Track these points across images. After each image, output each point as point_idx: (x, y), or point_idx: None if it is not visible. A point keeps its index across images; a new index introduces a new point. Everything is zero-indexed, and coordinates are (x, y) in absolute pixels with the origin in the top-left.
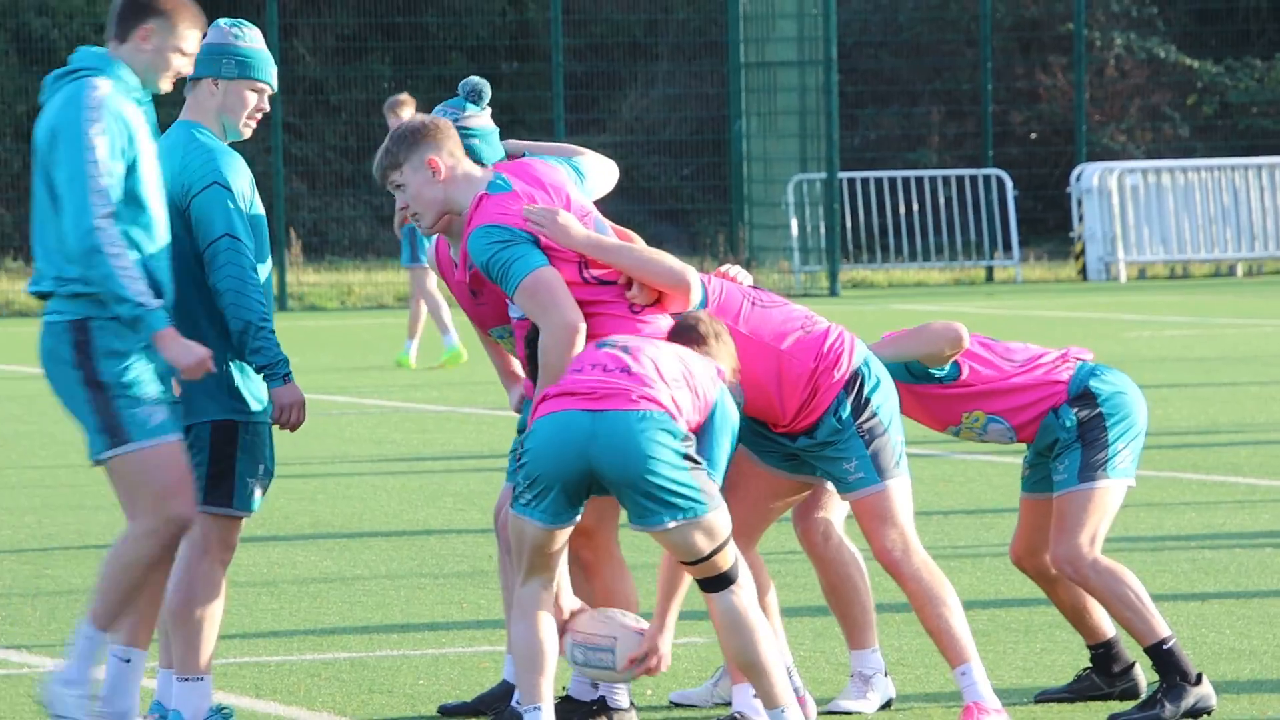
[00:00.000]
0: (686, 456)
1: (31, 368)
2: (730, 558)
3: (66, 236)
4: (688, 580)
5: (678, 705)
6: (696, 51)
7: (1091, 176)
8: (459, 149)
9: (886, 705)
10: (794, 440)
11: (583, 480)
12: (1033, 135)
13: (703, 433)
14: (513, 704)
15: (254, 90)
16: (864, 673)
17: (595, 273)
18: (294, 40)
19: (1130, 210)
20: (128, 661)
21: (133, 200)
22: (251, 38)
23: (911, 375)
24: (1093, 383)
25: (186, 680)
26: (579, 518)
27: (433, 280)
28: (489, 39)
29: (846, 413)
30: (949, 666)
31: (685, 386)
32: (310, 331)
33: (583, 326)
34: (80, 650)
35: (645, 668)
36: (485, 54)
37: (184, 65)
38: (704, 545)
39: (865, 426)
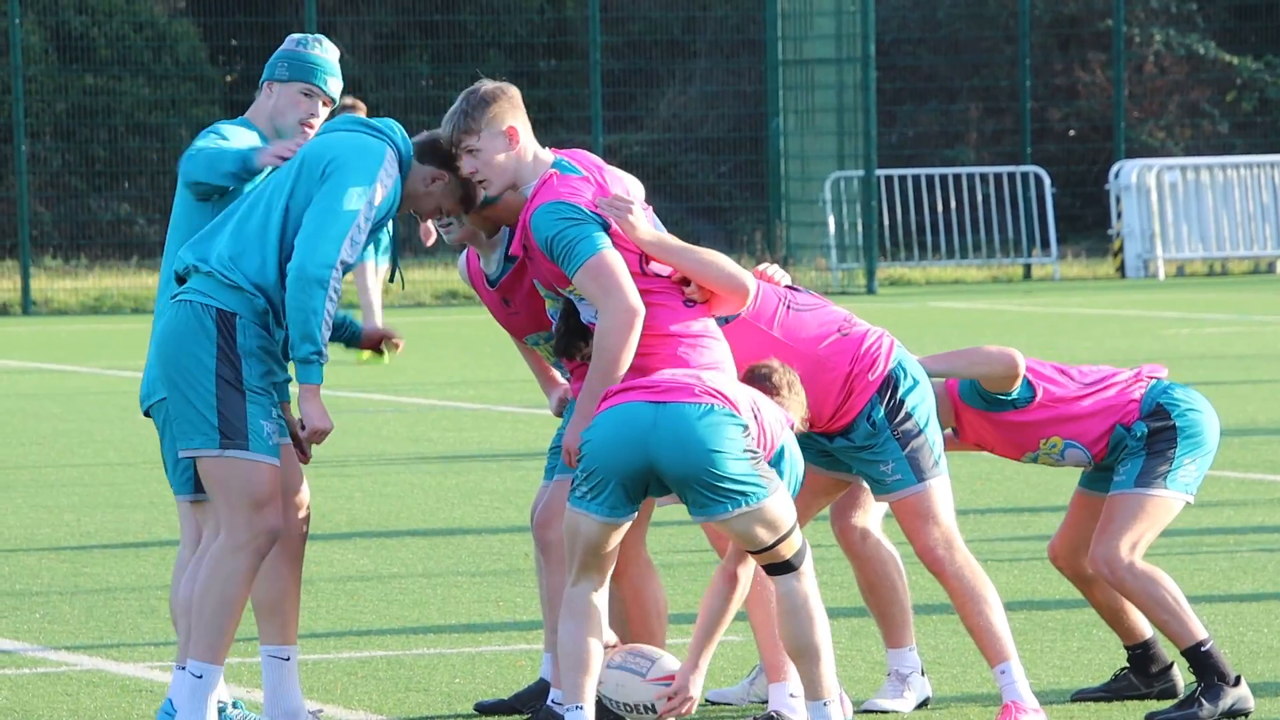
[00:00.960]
0: (748, 449)
1: (71, 365)
2: (794, 546)
3: (300, 256)
4: (726, 622)
5: (714, 704)
6: (734, 49)
7: (1130, 173)
8: (528, 122)
9: (923, 704)
10: (830, 440)
11: (641, 473)
12: (1071, 132)
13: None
14: (548, 703)
15: (305, 94)
16: (901, 671)
17: (654, 266)
18: (332, 38)
19: (1169, 207)
20: (286, 660)
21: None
22: (315, 46)
23: (986, 402)
24: (1164, 399)
25: (185, 670)
26: (635, 514)
27: (371, 277)
28: (527, 37)
29: (880, 416)
30: (987, 665)
31: (753, 418)
32: None
33: (643, 312)
34: (186, 693)
35: (671, 708)
36: (523, 52)
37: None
38: (765, 535)
39: (901, 429)
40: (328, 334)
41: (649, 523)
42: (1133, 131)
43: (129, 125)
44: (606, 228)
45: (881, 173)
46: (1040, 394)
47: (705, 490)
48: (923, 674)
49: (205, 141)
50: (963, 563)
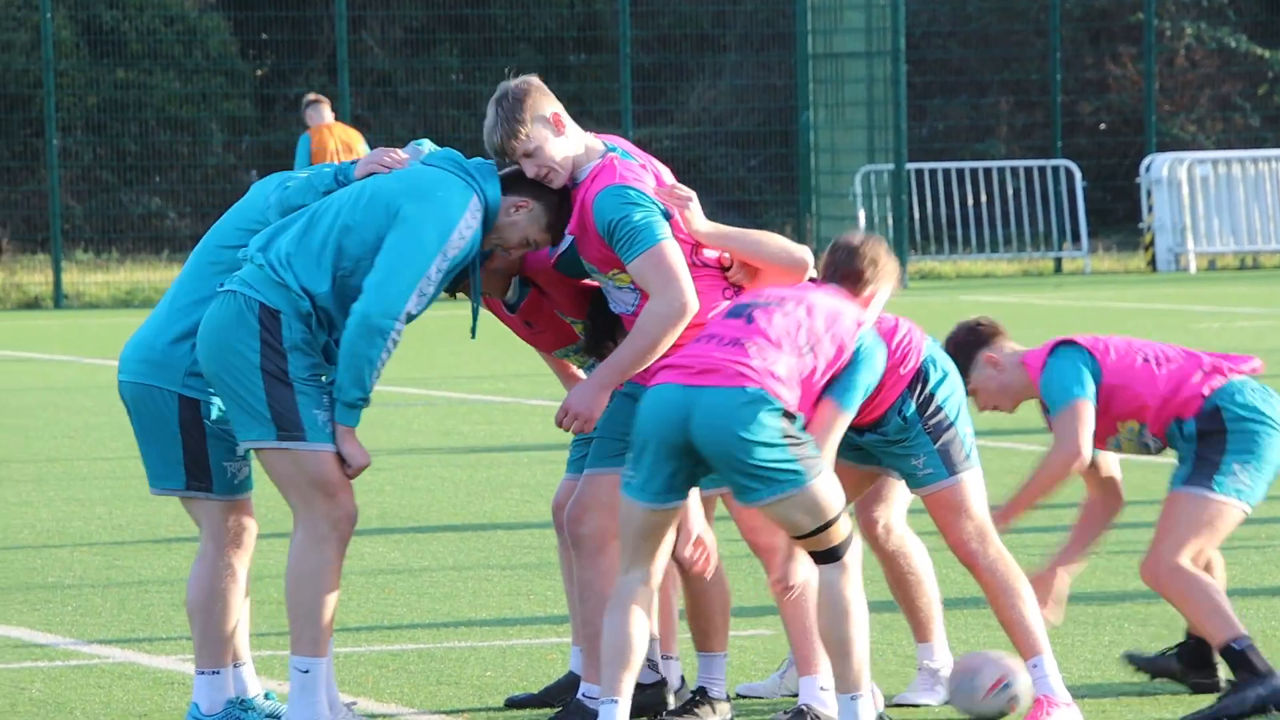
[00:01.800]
0: (786, 435)
1: (102, 359)
2: (841, 534)
3: (367, 303)
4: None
5: (744, 697)
6: (764, 43)
7: (1161, 167)
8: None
9: None
10: (861, 435)
11: (683, 454)
12: (1102, 126)
13: (843, 371)
14: (578, 696)
15: None
16: (930, 666)
17: (704, 257)
18: (362, 32)
19: (1200, 201)
20: (305, 672)
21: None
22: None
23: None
24: (1224, 402)
25: (204, 674)
26: (682, 502)
27: None
28: (556, 30)
29: (911, 410)
30: (1020, 659)
31: (812, 351)
32: None
33: (695, 309)
34: (295, 690)
35: None
36: (553, 46)
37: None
38: (805, 521)
39: (932, 422)
40: (376, 381)
41: (714, 517)
42: (1164, 125)
43: (160, 119)
44: (668, 216)
45: (912, 166)
46: (1105, 376)
47: (739, 475)
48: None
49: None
50: (996, 556)
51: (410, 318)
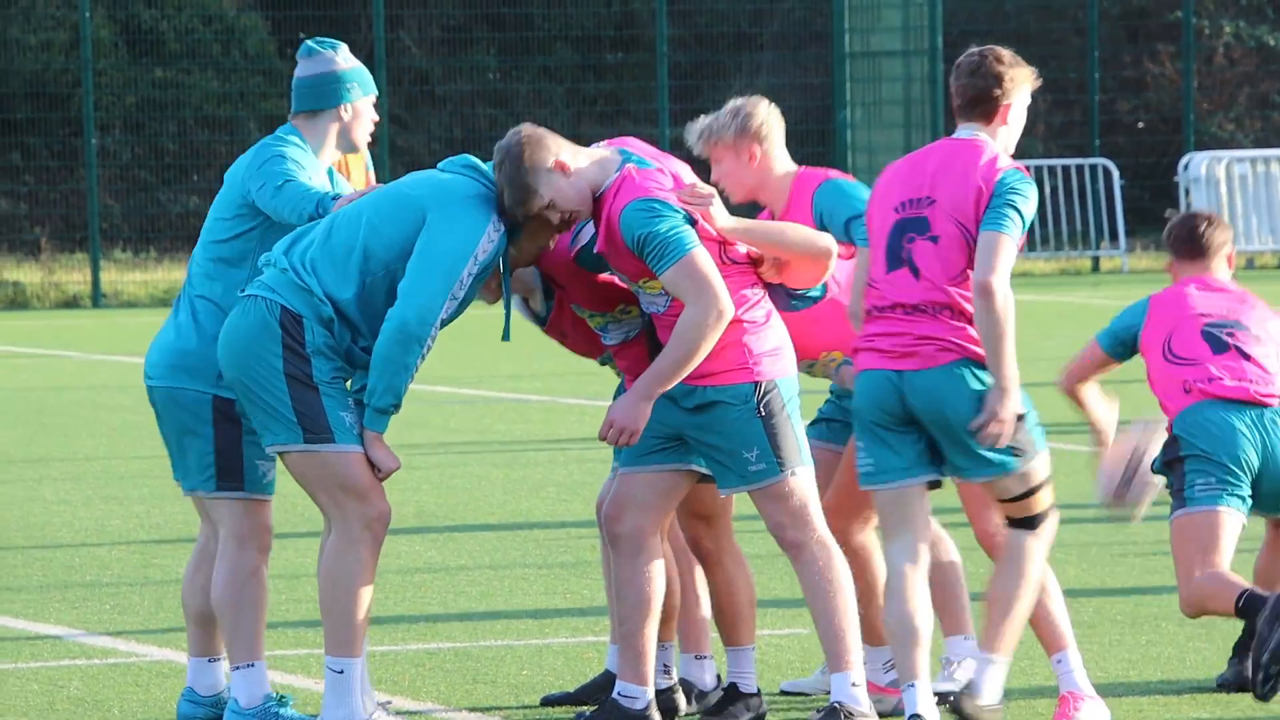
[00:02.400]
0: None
1: (141, 358)
2: (1044, 503)
3: (404, 311)
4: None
5: (788, 694)
6: (801, 41)
7: (1199, 165)
8: (560, 141)
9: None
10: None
11: (911, 428)
12: (1140, 124)
13: None
14: (614, 695)
15: (374, 103)
16: (949, 658)
17: (731, 254)
18: (399, 31)
19: (1238, 199)
20: (340, 673)
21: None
22: (346, 55)
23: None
24: (1180, 429)
25: (239, 668)
26: (930, 476)
27: None
28: (594, 29)
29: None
30: (1045, 655)
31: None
32: None
33: (731, 315)
34: (329, 691)
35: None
36: (590, 44)
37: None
38: (1016, 487)
39: None
40: (409, 385)
41: (732, 514)
42: (1202, 124)
43: (198, 118)
44: (692, 222)
45: None
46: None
47: (962, 455)
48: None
49: (294, 176)
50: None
51: (444, 323)
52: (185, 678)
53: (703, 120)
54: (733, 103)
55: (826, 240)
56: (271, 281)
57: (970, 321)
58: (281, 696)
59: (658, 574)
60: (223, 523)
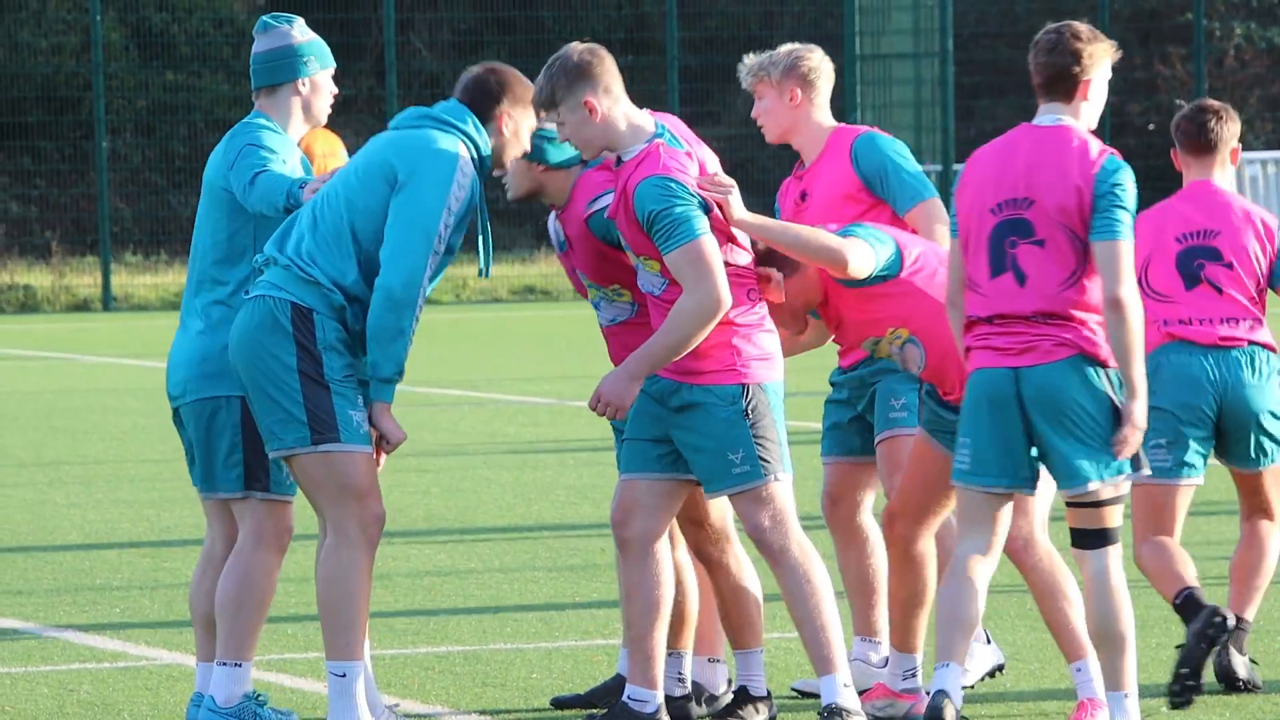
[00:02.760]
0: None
1: (151, 361)
2: (1114, 519)
3: (388, 277)
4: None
5: (799, 694)
6: (811, 43)
7: None
8: (619, 84)
9: (999, 669)
10: (955, 412)
11: (1018, 430)
12: (1151, 126)
13: None
14: (624, 698)
15: (332, 76)
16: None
17: (734, 255)
18: (410, 35)
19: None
20: (342, 676)
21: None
22: (303, 30)
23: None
24: (1150, 362)
25: (226, 665)
26: (1025, 489)
27: None
28: (604, 32)
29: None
30: (1065, 661)
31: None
32: (425, 325)
33: (728, 306)
34: (334, 695)
35: None
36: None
37: (526, 142)
38: (1106, 493)
39: None
40: (408, 352)
41: (733, 517)
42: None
43: (208, 121)
44: (707, 210)
45: (960, 168)
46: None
47: (1065, 459)
48: (988, 641)
49: (268, 164)
50: (1043, 555)
51: (433, 277)
52: (195, 681)
53: (756, 55)
54: (789, 45)
55: (842, 247)
56: (275, 279)
57: (1082, 322)
58: (259, 695)
59: (666, 578)
60: (244, 522)
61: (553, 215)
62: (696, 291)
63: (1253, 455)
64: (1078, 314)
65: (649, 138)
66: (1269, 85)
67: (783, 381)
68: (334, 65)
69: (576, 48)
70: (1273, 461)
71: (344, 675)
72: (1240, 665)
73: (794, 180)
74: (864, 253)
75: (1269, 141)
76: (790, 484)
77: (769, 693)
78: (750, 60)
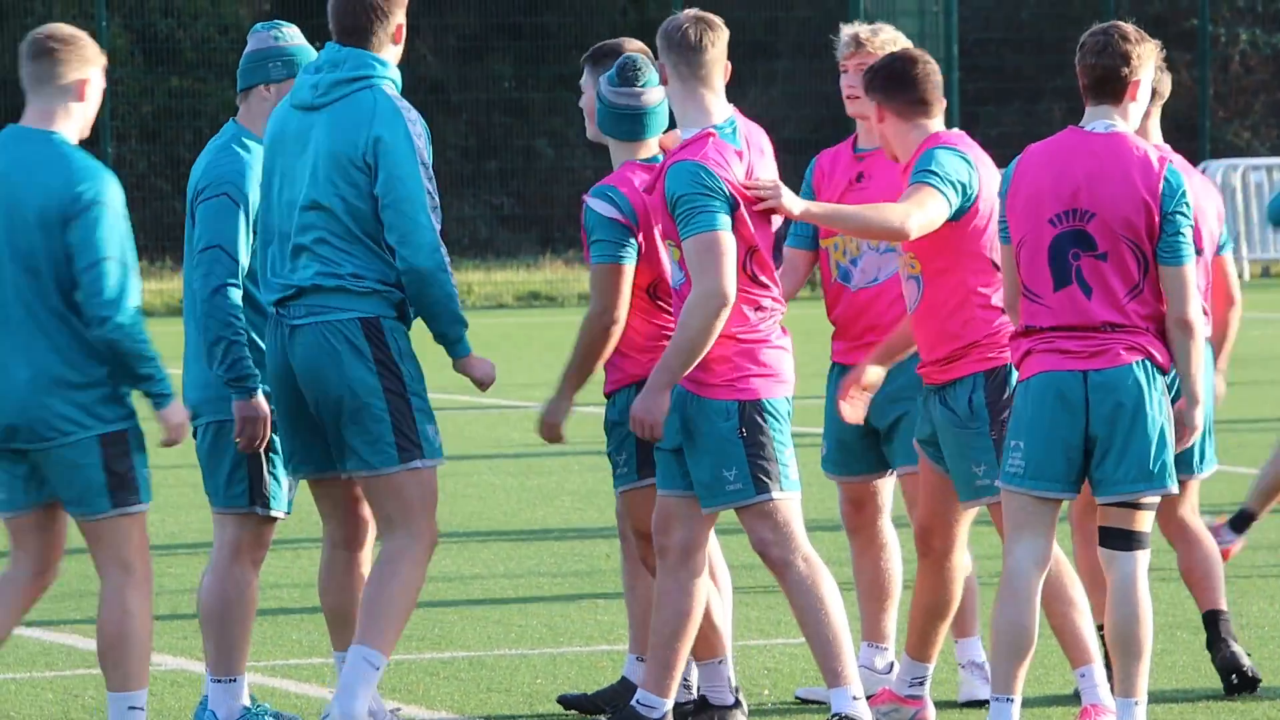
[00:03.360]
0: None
1: None
2: (1147, 523)
3: (409, 259)
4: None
5: (805, 701)
6: (817, 50)
7: (1215, 173)
8: (710, 67)
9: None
10: (937, 398)
11: (1075, 437)
12: None
13: None
14: (633, 703)
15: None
16: (975, 660)
17: (754, 269)
18: (415, 40)
19: (1254, 207)
20: (376, 668)
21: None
22: (291, 36)
23: None
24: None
25: (220, 681)
26: (1070, 495)
27: None
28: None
29: (981, 400)
30: (1069, 667)
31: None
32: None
33: (732, 300)
34: (360, 678)
35: None
36: None
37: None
38: (1145, 497)
39: (1001, 419)
40: (459, 300)
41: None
42: (1218, 131)
43: (214, 127)
44: (734, 209)
45: None
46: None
47: (1121, 464)
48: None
49: (225, 281)
50: (1054, 561)
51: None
52: (200, 686)
53: (862, 28)
54: (893, 29)
55: (901, 223)
56: (333, 303)
57: (1146, 329)
58: (259, 705)
59: (699, 589)
60: (225, 532)
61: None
62: (701, 283)
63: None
64: (1142, 323)
65: (707, 126)
66: (1274, 91)
67: (789, 399)
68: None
69: (689, 15)
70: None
71: (376, 667)
72: (1242, 654)
73: (851, 158)
74: (925, 217)
75: (1275, 147)
76: (796, 499)
77: (738, 700)
78: (856, 30)
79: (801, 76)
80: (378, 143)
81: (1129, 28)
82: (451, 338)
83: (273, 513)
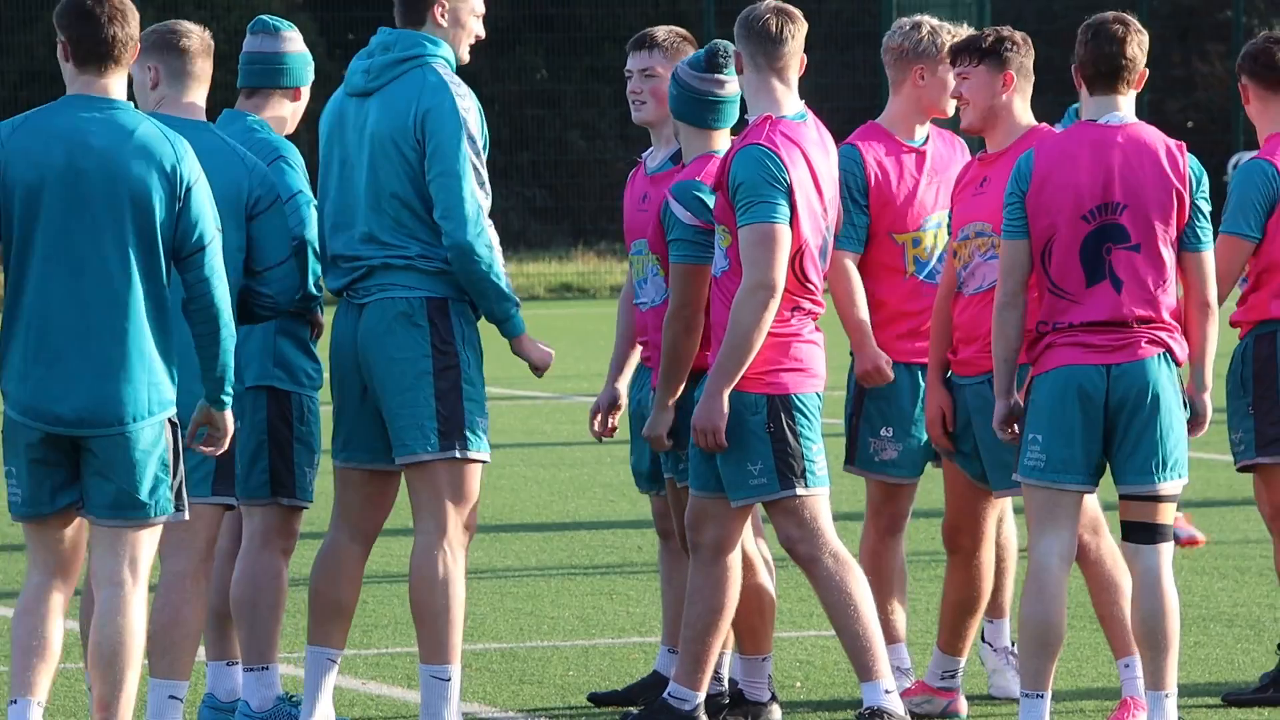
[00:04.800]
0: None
1: None
2: (1171, 516)
3: (454, 237)
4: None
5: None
6: (849, 41)
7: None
8: (785, 60)
9: None
10: (960, 388)
11: (1095, 429)
12: (1189, 123)
13: None
14: (665, 695)
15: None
16: (1005, 646)
17: (801, 271)
18: None
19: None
20: (447, 680)
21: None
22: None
23: None
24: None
25: (252, 670)
26: (1090, 488)
27: None
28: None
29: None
30: (1103, 659)
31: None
32: None
33: (780, 292)
34: (437, 696)
35: None
36: None
37: (479, 27)
38: (1168, 491)
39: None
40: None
41: (750, 519)
42: (1252, 123)
43: None
44: (792, 199)
45: None
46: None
47: (1144, 456)
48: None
49: (301, 194)
50: (1105, 552)
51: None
52: (206, 681)
53: (965, 31)
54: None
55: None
56: (400, 280)
57: (1167, 324)
58: (292, 696)
59: (732, 585)
60: (253, 522)
61: (646, 170)
62: (751, 275)
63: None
64: (1167, 316)
65: (772, 114)
66: None
67: (819, 394)
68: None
69: (771, 6)
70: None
71: (448, 679)
72: None
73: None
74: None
75: None
76: (824, 495)
77: (773, 695)
78: (956, 33)
79: (834, 68)
80: (424, 117)
81: (1128, 16)
82: (499, 316)
83: (297, 502)
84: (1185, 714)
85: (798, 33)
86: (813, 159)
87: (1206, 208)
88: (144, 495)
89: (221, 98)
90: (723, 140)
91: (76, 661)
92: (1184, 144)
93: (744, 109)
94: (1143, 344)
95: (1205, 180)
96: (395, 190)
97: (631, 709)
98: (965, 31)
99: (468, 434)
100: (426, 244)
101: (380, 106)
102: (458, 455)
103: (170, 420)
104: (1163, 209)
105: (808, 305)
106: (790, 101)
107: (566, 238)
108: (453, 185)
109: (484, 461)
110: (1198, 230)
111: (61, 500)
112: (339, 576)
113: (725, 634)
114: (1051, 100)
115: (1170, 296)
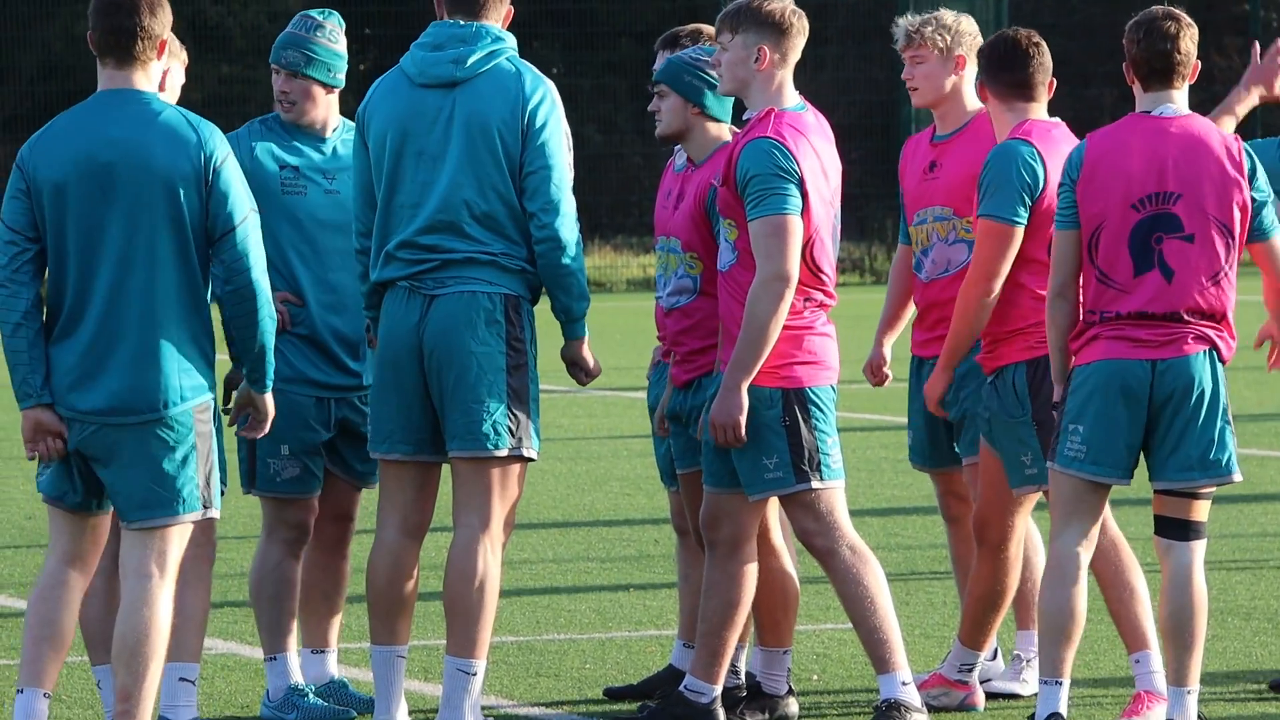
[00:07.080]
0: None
1: None
2: (1205, 512)
3: (548, 230)
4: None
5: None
6: (866, 35)
7: None
8: (795, 57)
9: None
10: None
11: (1137, 424)
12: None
13: None
14: (681, 687)
15: (274, 73)
16: (1023, 655)
17: (811, 260)
18: None
19: None
20: (474, 675)
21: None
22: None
23: None
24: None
25: (266, 660)
26: (1124, 481)
27: None
28: (657, 24)
29: (1024, 386)
30: (1119, 652)
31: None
32: None
33: (794, 283)
34: (460, 689)
35: None
36: (654, 40)
37: None
38: (1203, 488)
39: (1040, 416)
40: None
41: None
42: (1269, 116)
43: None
44: (803, 192)
45: None
46: None
47: (1184, 453)
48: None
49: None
50: (1112, 545)
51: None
52: (250, 670)
53: (948, 16)
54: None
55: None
56: (481, 274)
57: (1217, 320)
58: (299, 688)
59: (748, 580)
60: (262, 514)
61: (675, 167)
62: (765, 267)
63: None
64: (1217, 311)
65: (776, 106)
66: None
67: (833, 386)
68: (275, 62)
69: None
70: None
71: (474, 674)
72: None
73: (928, 145)
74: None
75: None
76: (839, 488)
77: (790, 688)
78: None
79: (850, 62)
80: (534, 107)
81: (1176, 10)
82: (575, 314)
83: (265, 494)
84: (1203, 707)
85: (805, 28)
86: (819, 149)
87: (1262, 197)
88: (175, 488)
89: (254, 91)
90: (727, 132)
91: (81, 654)
92: (1237, 136)
93: (742, 104)
94: (1190, 340)
95: (1260, 167)
96: (495, 183)
97: (648, 702)
98: (967, 27)
99: (528, 435)
100: (512, 242)
101: (476, 96)
102: (524, 454)
103: (203, 409)
104: (1219, 201)
105: (820, 296)
106: (790, 93)
107: (583, 232)
108: (555, 178)
109: (531, 463)
110: (1260, 222)
111: (88, 498)
112: (397, 575)
113: (741, 628)
114: (1070, 93)
115: (1226, 292)
